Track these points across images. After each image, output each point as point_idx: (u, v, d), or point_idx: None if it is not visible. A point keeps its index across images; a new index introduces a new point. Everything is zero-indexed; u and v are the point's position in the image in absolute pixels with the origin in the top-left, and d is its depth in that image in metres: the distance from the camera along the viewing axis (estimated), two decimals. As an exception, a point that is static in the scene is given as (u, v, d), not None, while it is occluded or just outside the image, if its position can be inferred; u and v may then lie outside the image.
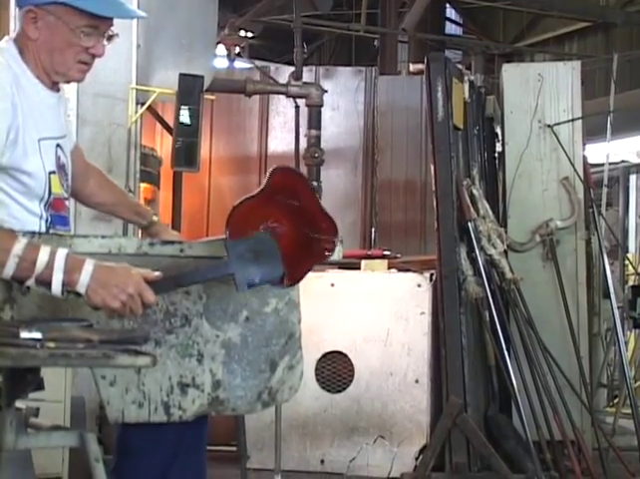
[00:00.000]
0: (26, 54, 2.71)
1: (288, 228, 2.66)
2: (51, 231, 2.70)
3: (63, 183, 2.77)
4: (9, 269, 2.40)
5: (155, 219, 3.07)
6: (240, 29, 11.30)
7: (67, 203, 2.81)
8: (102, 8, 2.67)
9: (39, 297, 2.50)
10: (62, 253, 2.42)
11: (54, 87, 2.79)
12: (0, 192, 2.62)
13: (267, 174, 2.65)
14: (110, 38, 2.74)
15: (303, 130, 7.43)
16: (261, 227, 2.63)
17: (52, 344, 2.14)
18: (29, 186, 2.65)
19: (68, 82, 2.81)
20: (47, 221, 2.71)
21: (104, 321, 2.53)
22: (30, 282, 2.42)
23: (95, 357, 2.18)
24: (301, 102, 7.40)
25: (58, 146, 2.78)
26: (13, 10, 4.95)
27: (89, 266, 2.42)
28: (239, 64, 10.08)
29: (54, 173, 2.73)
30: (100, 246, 2.59)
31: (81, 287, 2.42)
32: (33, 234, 2.51)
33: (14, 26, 4.93)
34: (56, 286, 2.41)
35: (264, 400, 2.70)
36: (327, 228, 2.66)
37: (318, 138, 7.33)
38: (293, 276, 2.64)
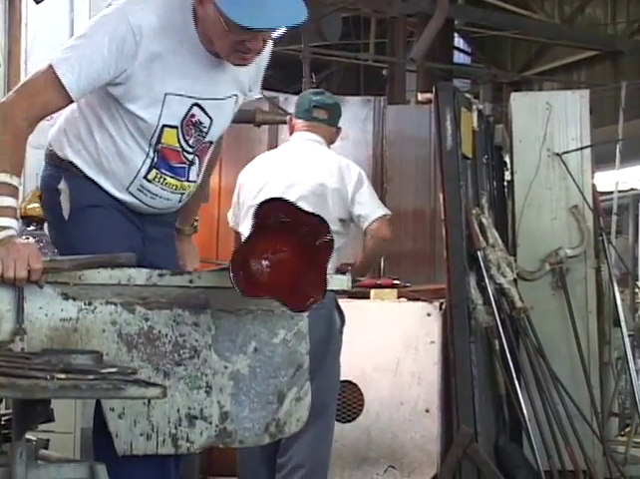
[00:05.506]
0: (198, 17, 2.72)
1: (289, 252, 2.60)
2: (154, 170, 2.80)
3: (187, 138, 2.80)
4: None
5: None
6: (249, 59, 11.33)
7: (184, 156, 2.83)
8: (251, 20, 2.58)
9: (49, 329, 2.51)
10: None
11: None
12: (115, 115, 2.73)
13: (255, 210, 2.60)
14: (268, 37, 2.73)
15: (312, 159, 7.44)
16: (263, 256, 2.58)
17: (62, 376, 2.14)
18: (140, 127, 2.73)
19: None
20: (152, 160, 2.79)
21: (113, 353, 2.53)
22: None
23: (105, 389, 2.17)
24: (310, 131, 7.41)
25: (197, 105, 2.77)
26: (24, 43, 4.97)
27: None
28: (248, 94, 10.12)
29: (171, 127, 2.76)
30: (110, 278, 2.60)
31: None
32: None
33: (24, 57, 4.97)
34: None
35: (271, 432, 2.69)
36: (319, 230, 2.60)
37: (327, 167, 7.33)
38: (317, 290, 2.59)
